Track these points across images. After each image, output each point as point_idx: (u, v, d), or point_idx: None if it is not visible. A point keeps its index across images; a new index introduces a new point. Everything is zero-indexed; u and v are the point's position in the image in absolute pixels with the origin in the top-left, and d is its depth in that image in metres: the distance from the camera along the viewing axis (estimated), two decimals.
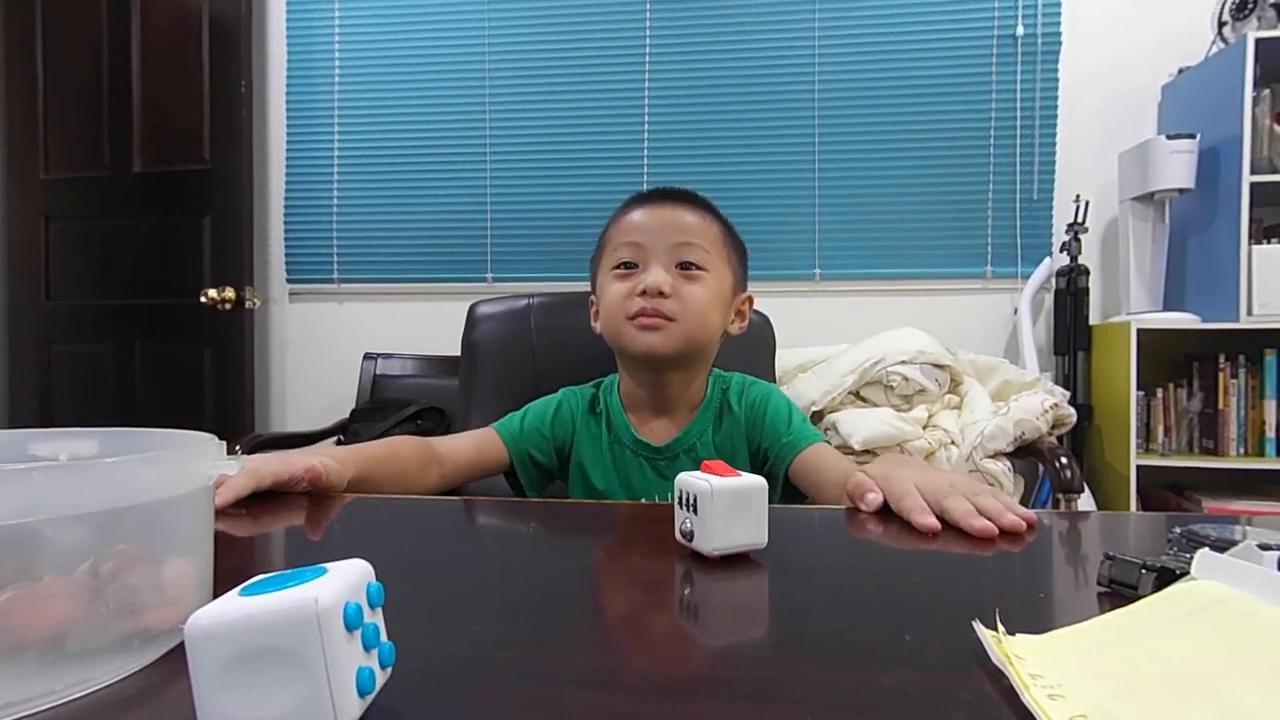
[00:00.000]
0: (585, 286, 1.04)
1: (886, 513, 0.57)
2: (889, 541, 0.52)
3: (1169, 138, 1.92)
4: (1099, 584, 0.39)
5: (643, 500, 0.87)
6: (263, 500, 0.62)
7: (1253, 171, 1.84)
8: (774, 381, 1.06)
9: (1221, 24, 2.08)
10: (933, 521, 0.52)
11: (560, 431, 0.91)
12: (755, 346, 1.12)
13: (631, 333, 0.83)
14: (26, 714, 0.26)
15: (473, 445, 0.88)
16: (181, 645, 0.24)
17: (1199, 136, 1.92)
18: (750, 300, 0.93)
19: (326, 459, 0.67)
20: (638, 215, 0.86)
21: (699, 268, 0.83)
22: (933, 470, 0.61)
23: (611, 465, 0.90)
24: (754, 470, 0.85)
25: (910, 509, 0.54)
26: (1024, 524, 0.51)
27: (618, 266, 0.85)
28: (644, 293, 0.81)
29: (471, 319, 1.14)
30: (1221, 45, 2.04)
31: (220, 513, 0.58)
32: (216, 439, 0.34)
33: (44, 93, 2.45)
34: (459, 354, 1.14)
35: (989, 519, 0.51)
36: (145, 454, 0.31)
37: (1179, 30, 2.13)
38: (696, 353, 0.86)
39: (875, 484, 0.59)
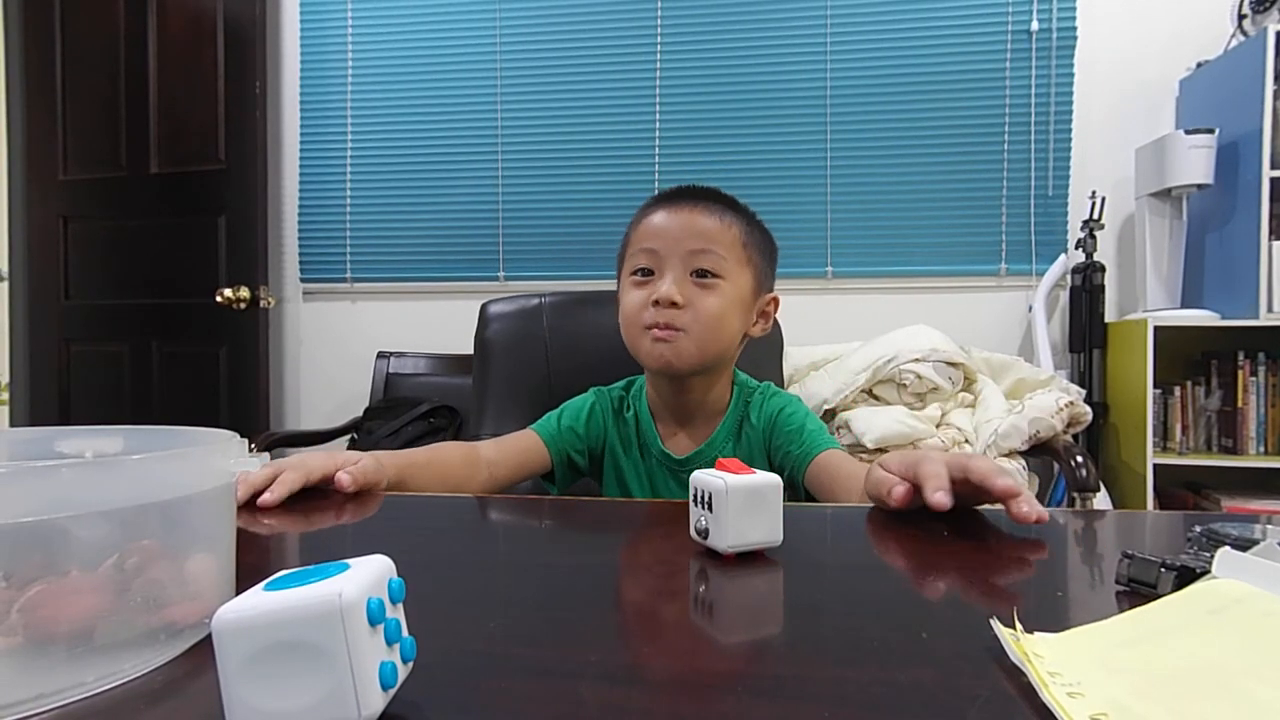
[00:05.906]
0: (599, 284, 1.04)
1: (904, 512, 0.57)
2: (905, 539, 0.51)
3: (1187, 132, 1.90)
4: (1117, 583, 0.39)
5: None
6: (286, 497, 0.63)
7: (1273, 166, 1.82)
8: (783, 381, 1.05)
9: (1241, 16, 2.05)
10: (945, 499, 0.50)
11: (594, 432, 0.92)
12: (762, 347, 1.10)
13: (646, 345, 0.84)
14: (59, 704, 0.26)
15: (519, 447, 0.89)
16: (206, 639, 0.24)
17: (1218, 131, 1.89)
18: (775, 301, 0.92)
19: (366, 459, 0.68)
20: (657, 218, 0.86)
21: (714, 275, 0.83)
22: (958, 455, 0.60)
23: (644, 474, 0.91)
24: None
25: (927, 476, 0.52)
26: (1034, 516, 0.48)
27: (635, 273, 0.86)
28: (657, 303, 0.82)
29: (484, 318, 1.12)
30: (1241, 38, 2.02)
31: (265, 509, 0.59)
32: (238, 436, 0.35)
33: (62, 95, 2.48)
34: (472, 352, 1.13)
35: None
36: (169, 451, 0.31)
37: (1197, 23, 2.11)
38: (712, 360, 0.86)
39: (899, 475, 0.56)
